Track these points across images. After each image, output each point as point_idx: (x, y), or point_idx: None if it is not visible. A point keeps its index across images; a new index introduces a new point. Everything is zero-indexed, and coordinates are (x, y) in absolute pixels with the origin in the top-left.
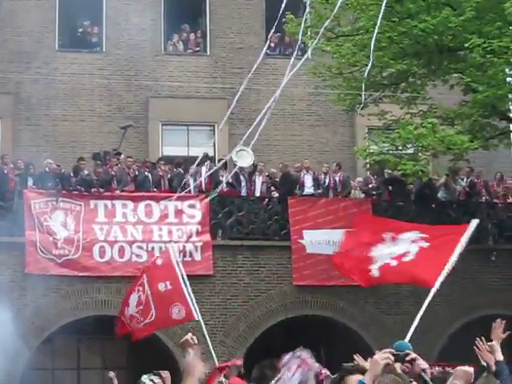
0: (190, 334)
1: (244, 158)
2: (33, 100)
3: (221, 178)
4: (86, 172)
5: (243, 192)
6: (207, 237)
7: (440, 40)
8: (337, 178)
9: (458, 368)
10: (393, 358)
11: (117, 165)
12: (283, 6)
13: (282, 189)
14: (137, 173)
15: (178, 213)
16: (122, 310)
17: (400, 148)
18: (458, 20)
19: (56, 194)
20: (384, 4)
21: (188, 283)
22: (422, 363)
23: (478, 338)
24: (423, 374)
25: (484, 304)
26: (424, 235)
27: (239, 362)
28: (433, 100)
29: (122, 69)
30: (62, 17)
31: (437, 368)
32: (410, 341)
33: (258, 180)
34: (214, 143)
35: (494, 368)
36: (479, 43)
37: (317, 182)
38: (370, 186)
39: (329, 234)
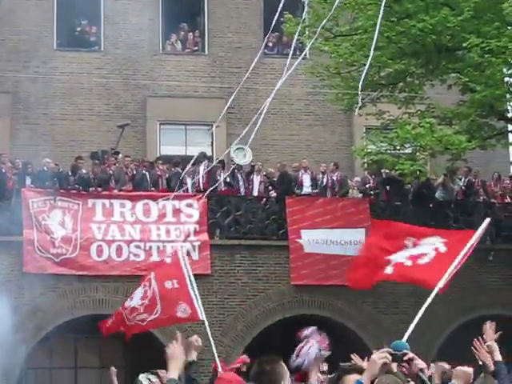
0: (195, 336)
1: (242, 157)
2: (31, 99)
3: (219, 177)
4: (84, 171)
5: (242, 191)
6: (205, 236)
7: (438, 40)
8: (334, 178)
9: (458, 368)
10: (390, 357)
11: (115, 164)
12: (281, 5)
13: (280, 188)
14: (135, 172)
15: (176, 212)
16: (123, 304)
17: (398, 148)
18: (456, 20)
19: (54, 192)
20: (383, 4)
21: (195, 284)
22: (420, 363)
23: (475, 339)
24: (421, 373)
25: (482, 304)
26: (444, 240)
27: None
28: (431, 100)
29: (120, 68)
30: (60, 16)
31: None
32: (407, 340)
33: (256, 179)
34: (212, 143)
35: (491, 368)
36: (477, 43)
37: (315, 182)
38: (368, 185)
39: (326, 233)
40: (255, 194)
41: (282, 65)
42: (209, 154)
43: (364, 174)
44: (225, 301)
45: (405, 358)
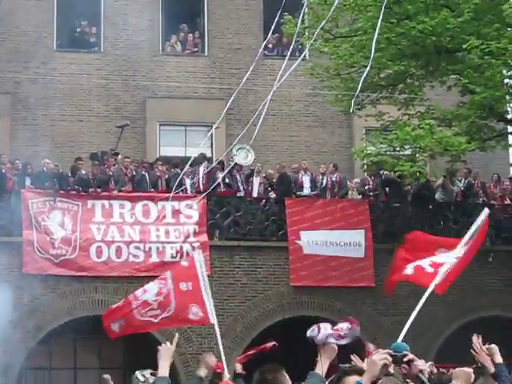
0: (212, 358)
1: (244, 157)
2: (31, 100)
3: (218, 178)
4: (83, 172)
5: (241, 192)
6: (204, 237)
7: (438, 41)
8: (334, 179)
9: (458, 369)
10: (391, 358)
11: (114, 165)
12: (282, 6)
13: (279, 190)
14: (134, 173)
15: (176, 213)
16: (134, 293)
17: (397, 149)
18: (456, 21)
19: (54, 193)
20: (384, 6)
21: (208, 288)
22: (420, 364)
23: (474, 340)
24: (420, 374)
25: (481, 305)
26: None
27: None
28: (430, 101)
29: (119, 69)
30: (60, 17)
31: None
32: (406, 342)
33: (256, 181)
34: (212, 144)
35: (492, 370)
36: (477, 45)
37: (314, 183)
38: (367, 187)
39: (326, 234)
40: (255, 195)
41: (283, 66)
42: (208, 155)
43: (363, 176)
44: (224, 302)
45: (405, 360)
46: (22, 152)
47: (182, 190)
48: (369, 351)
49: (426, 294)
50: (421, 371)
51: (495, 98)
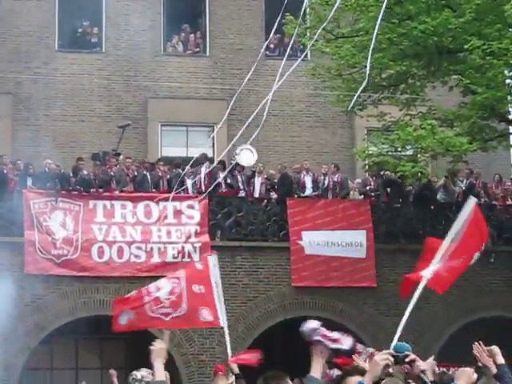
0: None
1: (248, 158)
2: (32, 100)
3: (219, 179)
4: (85, 172)
5: (242, 192)
6: (206, 237)
7: (440, 41)
8: (335, 180)
9: (461, 370)
10: (392, 359)
11: (116, 165)
12: (283, 7)
13: (280, 190)
14: (136, 173)
15: (177, 213)
16: (147, 287)
17: (399, 149)
18: (457, 22)
19: (55, 194)
20: (384, 6)
21: (221, 292)
22: (422, 364)
23: (476, 342)
24: (422, 375)
25: (483, 306)
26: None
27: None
28: (432, 101)
29: (121, 69)
30: (61, 17)
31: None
32: (407, 342)
33: (257, 181)
34: (214, 144)
35: (494, 371)
36: (479, 45)
37: (316, 184)
38: (368, 187)
39: (328, 235)
40: (256, 195)
41: (284, 66)
42: (210, 155)
43: (365, 176)
44: (226, 302)
45: (406, 360)
46: (23, 152)
47: (183, 190)
48: (358, 351)
49: (419, 289)
50: (422, 371)
51: (497, 99)
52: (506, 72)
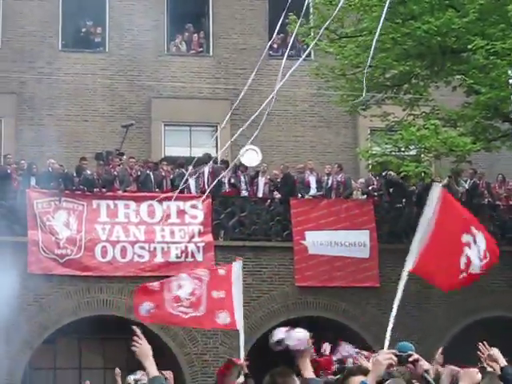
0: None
1: (252, 158)
2: (36, 100)
3: (223, 178)
4: (88, 172)
5: (244, 192)
6: (209, 237)
7: (443, 41)
8: (338, 179)
9: (465, 370)
10: (396, 358)
11: (119, 165)
12: (287, 7)
13: (283, 190)
14: (139, 173)
15: (181, 213)
16: (170, 282)
17: (402, 149)
18: (461, 22)
19: (59, 193)
20: (387, 6)
21: (241, 296)
22: (425, 364)
23: (480, 343)
24: (426, 374)
25: (485, 306)
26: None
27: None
28: (435, 101)
29: (124, 69)
30: (65, 17)
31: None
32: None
33: (261, 181)
34: (217, 144)
35: (498, 372)
36: (482, 45)
37: (319, 184)
38: (371, 187)
39: (331, 235)
40: (260, 195)
41: (287, 66)
42: (213, 155)
43: (368, 176)
44: None
45: (410, 359)
46: (27, 152)
47: (185, 188)
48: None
49: (404, 280)
50: (426, 371)
51: (500, 99)
52: (509, 72)
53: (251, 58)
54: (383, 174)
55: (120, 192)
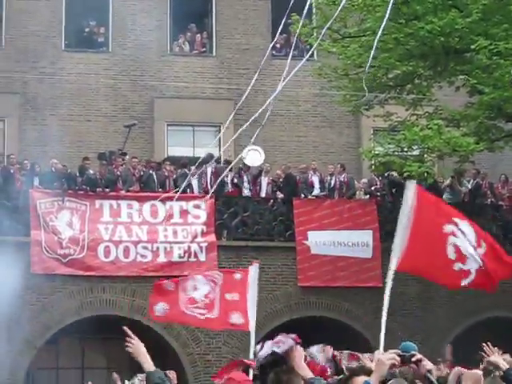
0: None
1: (254, 158)
2: (39, 99)
3: (226, 178)
4: (91, 172)
5: (247, 192)
6: (212, 237)
7: (446, 42)
8: (341, 180)
9: (467, 371)
10: (399, 358)
11: (122, 165)
12: (289, 7)
13: (285, 190)
14: (142, 173)
15: (183, 213)
16: (186, 283)
17: (405, 149)
18: (464, 22)
19: (62, 193)
20: (390, 6)
21: (256, 298)
22: (428, 364)
23: (484, 344)
24: (429, 374)
25: (488, 306)
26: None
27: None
28: (438, 102)
29: (127, 69)
30: (68, 17)
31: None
32: (410, 340)
33: (264, 181)
34: (220, 144)
35: (501, 372)
36: (486, 45)
37: (322, 184)
38: (374, 187)
39: (334, 235)
40: (263, 195)
41: (290, 66)
42: (216, 155)
43: (371, 176)
44: None
45: (413, 359)
46: (30, 152)
47: (187, 187)
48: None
49: (390, 277)
50: (429, 371)
51: (504, 99)
52: None
53: (254, 58)
54: (385, 174)
55: (123, 192)
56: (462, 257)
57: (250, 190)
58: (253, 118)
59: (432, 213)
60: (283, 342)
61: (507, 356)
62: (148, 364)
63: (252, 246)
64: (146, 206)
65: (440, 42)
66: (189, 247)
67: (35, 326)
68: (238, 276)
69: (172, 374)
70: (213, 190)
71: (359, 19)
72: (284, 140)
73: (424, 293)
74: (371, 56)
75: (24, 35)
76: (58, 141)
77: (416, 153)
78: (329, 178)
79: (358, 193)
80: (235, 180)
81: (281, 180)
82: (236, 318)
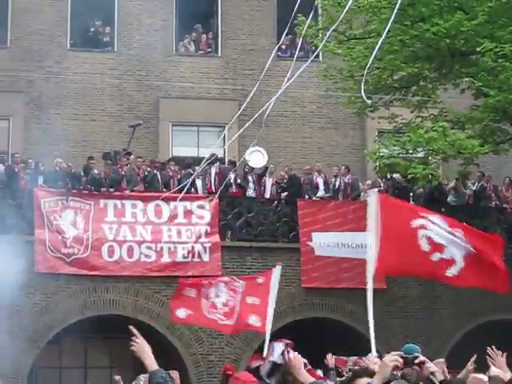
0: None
1: (258, 159)
2: (44, 99)
3: (230, 179)
4: (96, 171)
5: (251, 193)
6: (216, 238)
7: (452, 44)
8: (346, 181)
9: (472, 375)
10: (402, 360)
11: (127, 165)
12: (295, 8)
13: (289, 191)
14: (146, 173)
15: (187, 213)
16: (209, 288)
17: (410, 151)
18: (470, 24)
19: (66, 192)
20: (396, 8)
21: (274, 300)
22: (431, 366)
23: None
24: (432, 376)
25: (491, 309)
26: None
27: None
28: (444, 104)
29: (133, 69)
30: (73, 16)
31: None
32: (413, 342)
33: (268, 182)
34: (224, 144)
35: (507, 376)
36: (491, 47)
37: (327, 185)
38: (377, 189)
39: (338, 236)
40: (267, 196)
41: (295, 67)
42: (220, 155)
43: (375, 178)
44: None
45: (416, 361)
46: (34, 151)
47: (191, 187)
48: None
49: (370, 280)
50: (432, 373)
51: (509, 101)
52: None
53: (259, 59)
54: (388, 176)
55: (127, 192)
56: (437, 246)
57: (254, 190)
58: (253, 118)
59: (397, 213)
60: (273, 349)
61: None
62: (151, 363)
63: (256, 246)
64: (151, 205)
65: (445, 44)
66: (193, 247)
67: (38, 326)
68: (260, 280)
69: (175, 374)
70: (219, 193)
71: (365, 21)
72: (289, 141)
73: (426, 294)
74: (372, 57)
75: (29, 34)
76: (63, 140)
77: (421, 155)
78: (333, 179)
79: (362, 194)
80: (239, 180)
81: (284, 181)
82: (253, 320)
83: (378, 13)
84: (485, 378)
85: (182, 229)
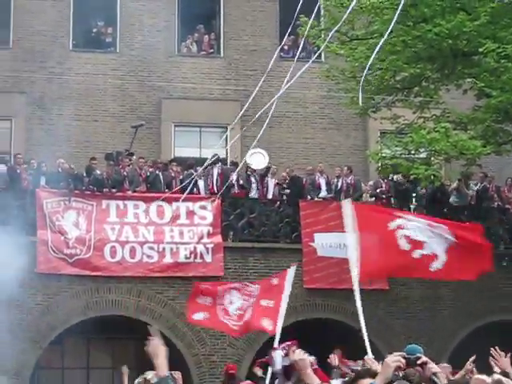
0: None
1: (259, 161)
2: (46, 99)
3: (232, 180)
4: (98, 172)
5: (254, 194)
6: (218, 238)
7: (454, 44)
8: (348, 182)
9: (475, 377)
10: (404, 361)
11: (129, 165)
12: (298, 8)
13: (291, 192)
14: (148, 173)
15: (190, 214)
16: (223, 297)
17: (413, 152)
18: (472, 25)
19: (68, 193)
20: (399, 9)
21: (286, 303)
22: (433, 367)
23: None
24: (434, 377)
25: (494, 309)
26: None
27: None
28: (446, 104)
29: (135, 69)
30: (76, 17)
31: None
32: (415, 343)
33: (271, 182)
34: (226, 144)
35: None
36: (493, 48)
37: (329, 186)
38: (379, 190)
39: (340, 237)
40: (270, 196)
41: (298, 68)
42: (222, 156)
43: (377, 178)
44: None
45: (418, 362)
46: (36, 152)
47: (193, 188)
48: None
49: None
50: (434, 374)
51: (511, 102)
52: None
53: (262, 60)
54: (389, 177)
55: (129, 192)
56: (417, 243)
57: (257, 190)
58: (254, 119)
59: (374, 219)
60: (274, 359)
61: None
62: (162, 369)
63: (258, 247)
64: (153, 206)
65: (448, 44)
66: (195, 248)
67: (41, 326)
68: (274, 281)
69: (177, 375)
70: (220, 193)
71: (367, 22)
72: (291, 142)
73: (428, 295)
74: (372, 57)
75: (31, 35)
76: (65, 141)
77: (423, 155)
78: (335, 180)
79: (364, 195)
80: (241, 181)
81: (286, 181)
82: (265, 323)
83: (381, 13)
84: (488, 379)
85: (185, 229)
